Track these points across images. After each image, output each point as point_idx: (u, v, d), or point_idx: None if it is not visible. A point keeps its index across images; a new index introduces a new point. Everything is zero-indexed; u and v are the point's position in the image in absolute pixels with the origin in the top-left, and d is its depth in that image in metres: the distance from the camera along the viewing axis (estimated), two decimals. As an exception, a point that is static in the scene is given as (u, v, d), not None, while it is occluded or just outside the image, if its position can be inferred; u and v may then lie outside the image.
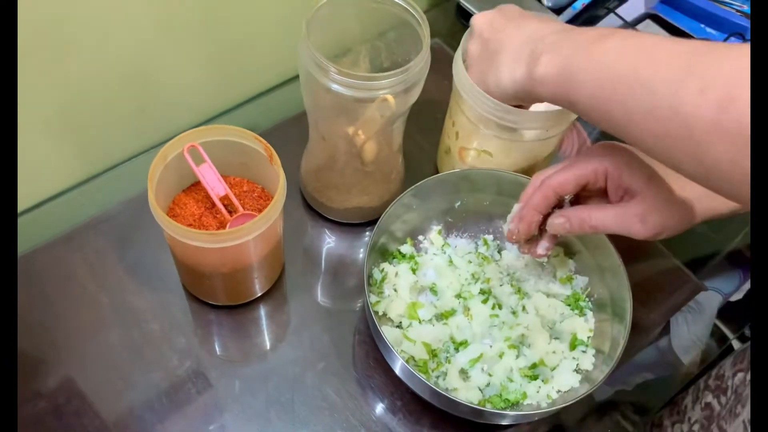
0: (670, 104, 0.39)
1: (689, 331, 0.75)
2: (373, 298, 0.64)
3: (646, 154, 0.46)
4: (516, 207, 0.59)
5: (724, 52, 0.38)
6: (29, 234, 0.69)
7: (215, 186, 0.61)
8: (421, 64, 0.58)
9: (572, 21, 0.86)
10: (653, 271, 0.74)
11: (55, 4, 0.58)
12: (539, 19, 0.55)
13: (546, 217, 0.57)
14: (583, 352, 0.63)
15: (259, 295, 0.67)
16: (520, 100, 0.56)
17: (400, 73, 0.56)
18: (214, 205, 0.63)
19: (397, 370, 0.60)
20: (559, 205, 0.57)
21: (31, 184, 0.71)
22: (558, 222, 0.55)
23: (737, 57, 0.37)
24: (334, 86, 0.56)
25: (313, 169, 0.71)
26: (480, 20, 0.59)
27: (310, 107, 0.64)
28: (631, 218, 0.51)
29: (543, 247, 0.60)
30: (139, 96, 0.71)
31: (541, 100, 0.52)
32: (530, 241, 0.60)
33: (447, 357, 0.63)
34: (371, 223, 0.73)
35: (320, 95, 0.59)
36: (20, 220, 0.71)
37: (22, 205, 0.71)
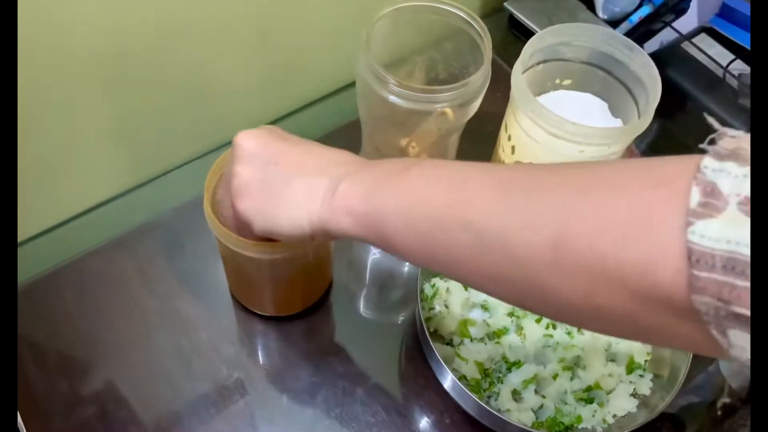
0: (501, 246, 0.34)
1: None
2: (424, 314, 0.63)
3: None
4: None
5: (546, 183, 0.34)
6: (81, 238, 0.70)
7: None
8: (481, 78, 0.57)
9: (629, 34, 0.84)
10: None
11: (116, 14, 0.59)
12: (324, 146, 0.46)
13: None
14: (641, 376, 0.61)
15: (307, 307, 0.66)
16: (321, 238, 0.45)
17: (459, 86, 0.55)
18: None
19: (449, 388, 0.59)
20: None
21: (84, 189, 0.71)
22: None
23: (562, 186, 0.32)
24: (392, 98, 0.56)
25: None
26: (249, 140, 0.46)
27: (366, 118, 0.63)
28: None
29: None
30: (193, 103, 0.72)
31: (349, 238, 0.42)
32: None
33: (499, 377, 0.61)
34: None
35: (377, 106, 0.58)
36: (72, 225, 0.72)
37: (75, 209, 0.72)
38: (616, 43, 0.65)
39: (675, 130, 0.87)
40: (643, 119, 0.61)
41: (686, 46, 0.93)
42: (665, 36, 0.93)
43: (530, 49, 0.64)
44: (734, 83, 0.89)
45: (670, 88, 0.89)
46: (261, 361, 0.65)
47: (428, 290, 0.65)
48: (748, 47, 0.94)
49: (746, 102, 0.88)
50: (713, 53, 0.93)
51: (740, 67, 0.93)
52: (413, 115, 0.57)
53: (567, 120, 0.59)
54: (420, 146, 0.62)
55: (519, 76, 0.63)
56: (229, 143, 0.65)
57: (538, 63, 0.68)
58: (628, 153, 0.76)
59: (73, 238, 0.70)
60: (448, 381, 0.58)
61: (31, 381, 0.62)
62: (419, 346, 0.65)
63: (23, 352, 0.63)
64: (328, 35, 0.76)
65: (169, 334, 0.65)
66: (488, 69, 0.57)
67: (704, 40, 0.96)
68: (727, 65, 0.89)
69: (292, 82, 0.79)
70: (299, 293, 0.64)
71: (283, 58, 0.75)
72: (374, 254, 0.72)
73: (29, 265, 0.67)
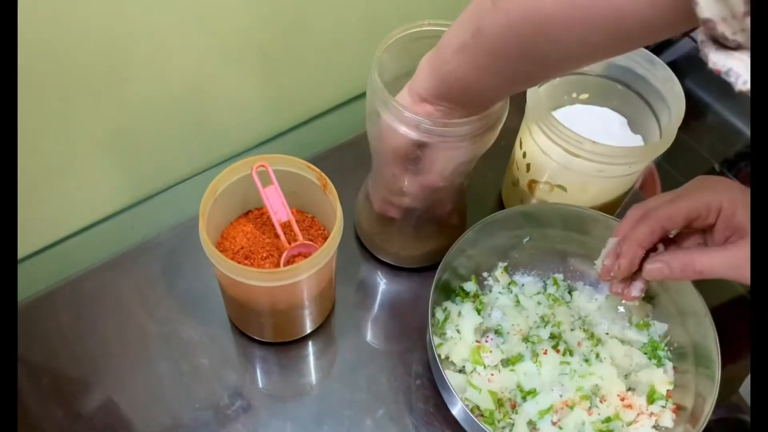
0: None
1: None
2: (435, 340, 0.60)
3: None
4: (612, 241, 0.54)
5: None
6: (77, 258, 0.67)
7: (279, 210, 0.57)
8: (500, 104, 0.53)
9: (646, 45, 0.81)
10: (735, 315, 0.69)
11: (114, 27, 0.56)
12: None
13: (648, 251, 0.52)
14: (663, 407, 0.58)
15: (309, 332, 0.64)
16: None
17: (479, 119, 0.51)
18: (265, 233, 0.60)
19: (460, 420, 0.56)
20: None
21: (81, 207, 0.69)
22: (655, 267, 0.50)
23: None
24: (402, 128, 0.51)
25: (372, 215, 0.65)
26: None
27: (377, 149, 0.59)
28: (742, 262, 0.46)
29: (638, 288, 0.54)
30: (193, 119, 0.69)
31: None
32: (623, 280, 0.55)
33: (514, 407, 0.58)
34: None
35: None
36: (68, 244, 0.69)
37: (70, 228, 0.69)
38: (636, 57, 0.62)
39: (692, 142, 0.84)
40: (665, 138, 0.58)
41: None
42: (682, 45, 0.90)
43: (547, 62, 0.61)
44: (754, 94, 0.86)
45: (687, 99, 0.87)
46: (264, 389, 0.62)
47: (440, 315, 0.62)
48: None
49: (766, 113, 0.85)
50: (731, 63, 0.90)
51: (760, 77, 0.90)
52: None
53: (586, 138, 0.56)
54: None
55: (535, 91, 0.60)
56: (230, 158, 0.62)
57: (554, 77, 0.65)
58: (648, 171, 0.73)
59: (68, 258, 0.68)
60: (459, 411, 0.55)
61: (26, 405, 0.59)
62: (429, 373, 0.62)
63: (17, 375, 0.60)
64: (329, 49, 0.73)
65: (168, 358, 0.62)
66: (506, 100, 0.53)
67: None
68: (747, 76, 0.87)
69: (293, 97, 0.76)
70: (301, 320, 0.61)
71: (283, 72, 0.72)
72: (382, 278, 0.69)
73: (24, 286, 0.65)
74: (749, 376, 0.67)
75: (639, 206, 0.53)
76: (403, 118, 0.50)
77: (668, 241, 0.53)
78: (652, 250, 0.52)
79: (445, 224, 0.65)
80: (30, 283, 0.65)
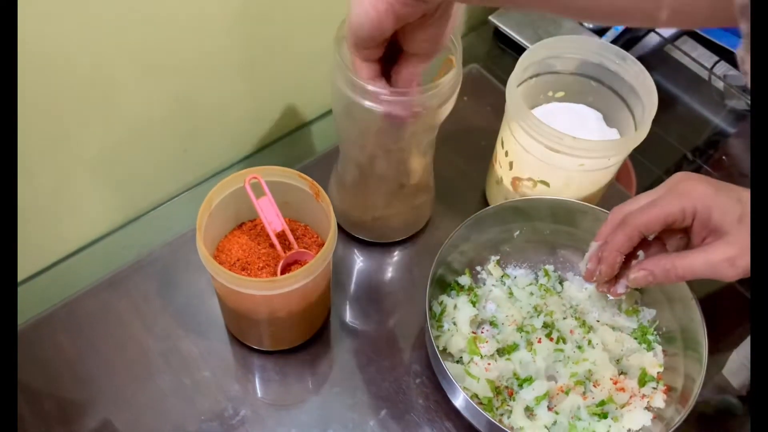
0: None
1: (738, 353, 0.72)
2: (433, 333, 0.61)
3: None
4: (594, 245, 0.57)
5: None
6: (73, 279, 0.67)
7: (273, 221, 0.59)
8: (452, 77, 0.55)
9: (615, 41, 0.84)
10: (719, 299, 0.71)
11: (101, 46, 0.57)
12: None
13: (628, 256, 0.55)
14: (654, 388, 0.61)
15: (307, 339, 0.65)
16: None
17: (432, 87, 0.53)
18: (260, 244, 0.62)
19: (461, 408, 0.57)
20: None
21: (74, 229, 0.69)
22: (640, 275, 0.53)
23: None
24: (367, 103, 0.53)
25: (347, 193, 0.68)
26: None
27: (348, 134, 0.61)
28: (720, 263, 0.49)
29: (623, 285, 0.57)
30: (180, 136, 0.70)
31: None
32: (607, 281, 0.58)
33: (511, 394, 0.60)
34: (400, 242, 0.71)
35: (355, 115, 0.56)
36: (63, 266, 0.69)
37: (66, 249, 0.70)
38: (608, 53, 0.65)
39: (662, 132, 0.87)
40: (641, 130, 0.61)
41: (669, 49, 0.93)
42: (649, 41, 0.93)
43: (524, 62, 0.63)
44: (720, 85, 0.89)
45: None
46: (267, 397, 0.63)
47: (436, 308, 0.64)
48: (731, 48, 0.95)
49: (732, 103, 0.88)
50: (696, 55, 0.94)
51: (725, 68, 0.93)
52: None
53: (566, 134, 0.59)
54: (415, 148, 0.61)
55: (514, 91, 0.62)
56: (219, 173, 0.63)
57: (531, 77, 0.67)
58: (623, 162, 0.75)
59: (64, 280, 0.68)
60: (460, 400, 0.57)
61: (27, 430, 0.59)
62: (428, 371, 0.63)
63: (18, 400, 0.60)
64: (310, 61, 0.75)
65: (170, 373, 0.63)
66: (459, 68, 0.55)
67: (686, 43, 0.97)
68: (712, 67, 0.90)
69: (281, 108, 0.77)
70: (299, 327, 0.62)
71: (271, 84, 0.73)
72: (377, 283, 0.70)
73: (20, 311, 0.64)
74: (731, 356, 0.70)
75: (618, 209, 0.55)
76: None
77: (651, 242, 0.56)
78: (632, 253, 0.55)
79: (414, 197, 0.67)
80: (26, 307, 0.65)
